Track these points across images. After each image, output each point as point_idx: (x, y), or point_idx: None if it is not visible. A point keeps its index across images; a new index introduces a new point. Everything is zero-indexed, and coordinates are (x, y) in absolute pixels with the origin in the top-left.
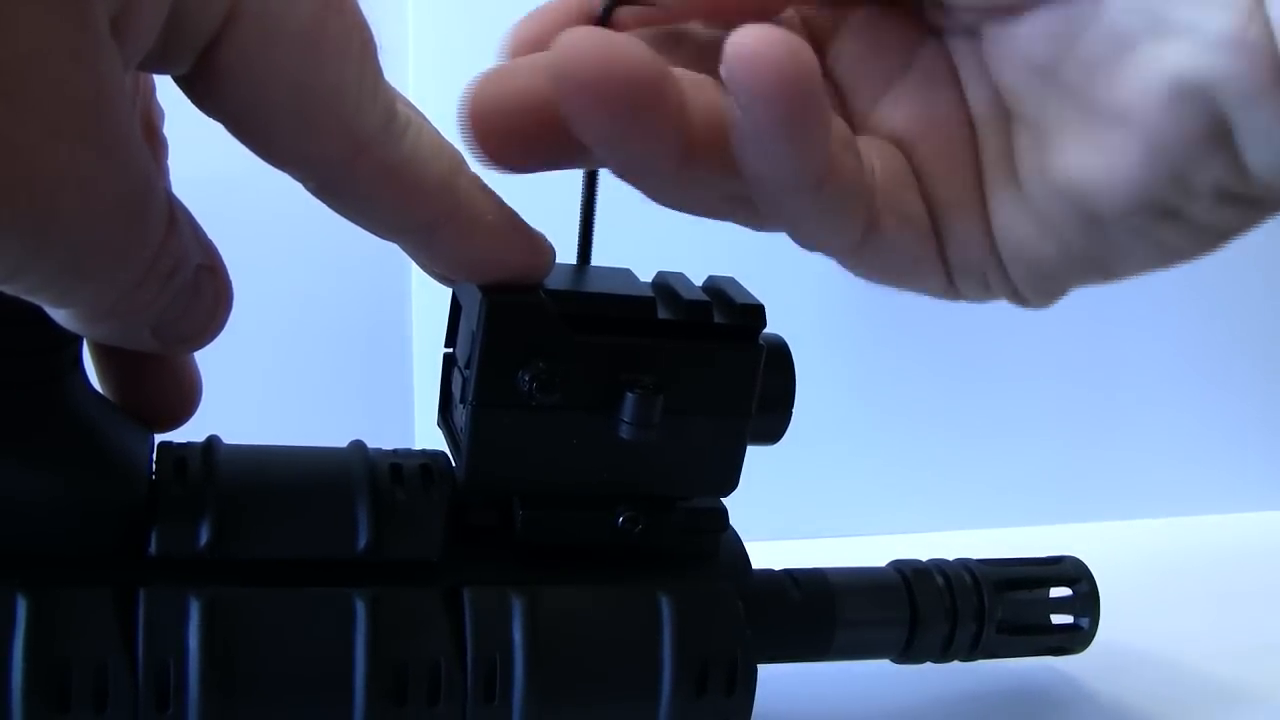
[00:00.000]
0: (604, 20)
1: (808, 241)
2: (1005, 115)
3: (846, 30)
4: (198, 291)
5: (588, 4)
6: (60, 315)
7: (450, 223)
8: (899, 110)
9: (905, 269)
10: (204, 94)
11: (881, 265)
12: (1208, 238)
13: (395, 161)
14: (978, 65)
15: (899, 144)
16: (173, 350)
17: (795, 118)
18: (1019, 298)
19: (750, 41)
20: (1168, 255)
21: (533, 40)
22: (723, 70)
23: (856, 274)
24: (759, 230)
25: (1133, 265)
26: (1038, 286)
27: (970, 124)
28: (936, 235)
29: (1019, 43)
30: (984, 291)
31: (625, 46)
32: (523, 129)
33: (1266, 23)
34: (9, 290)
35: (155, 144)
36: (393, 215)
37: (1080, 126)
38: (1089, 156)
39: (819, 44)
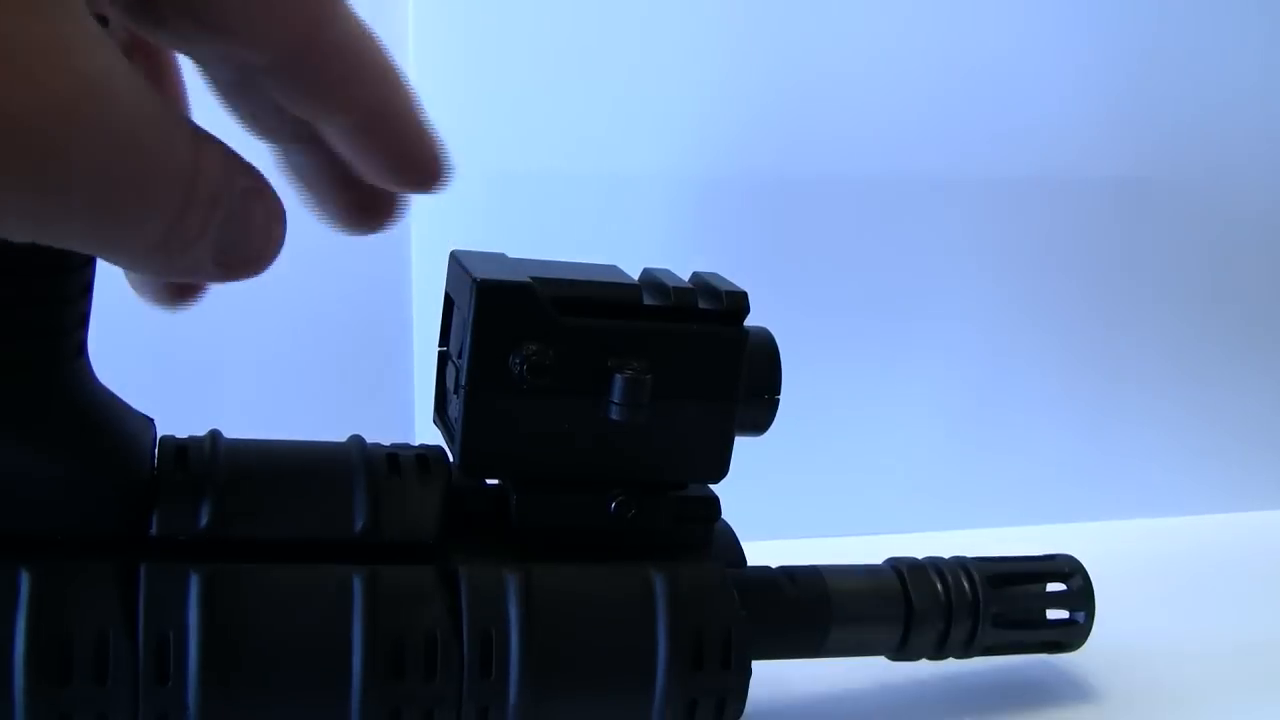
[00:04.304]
0: None
1: None
2: None
3: None
4: (248, 215)
5: None
6: (119, 260)
7: (389, 106)
8: None
9: None
10: None
11: None
12: None
13: (348, 39)
14: None
15: None
16: (237, 276)
17: None
18: None
19: None
20: None
21: None
22: None
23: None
24: None
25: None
26: None
27: None
28: None
29: None
30: None
31: None
32: None
33: None
34: (52, 242)
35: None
36: (344, 96)
37: None
38: None
39: None
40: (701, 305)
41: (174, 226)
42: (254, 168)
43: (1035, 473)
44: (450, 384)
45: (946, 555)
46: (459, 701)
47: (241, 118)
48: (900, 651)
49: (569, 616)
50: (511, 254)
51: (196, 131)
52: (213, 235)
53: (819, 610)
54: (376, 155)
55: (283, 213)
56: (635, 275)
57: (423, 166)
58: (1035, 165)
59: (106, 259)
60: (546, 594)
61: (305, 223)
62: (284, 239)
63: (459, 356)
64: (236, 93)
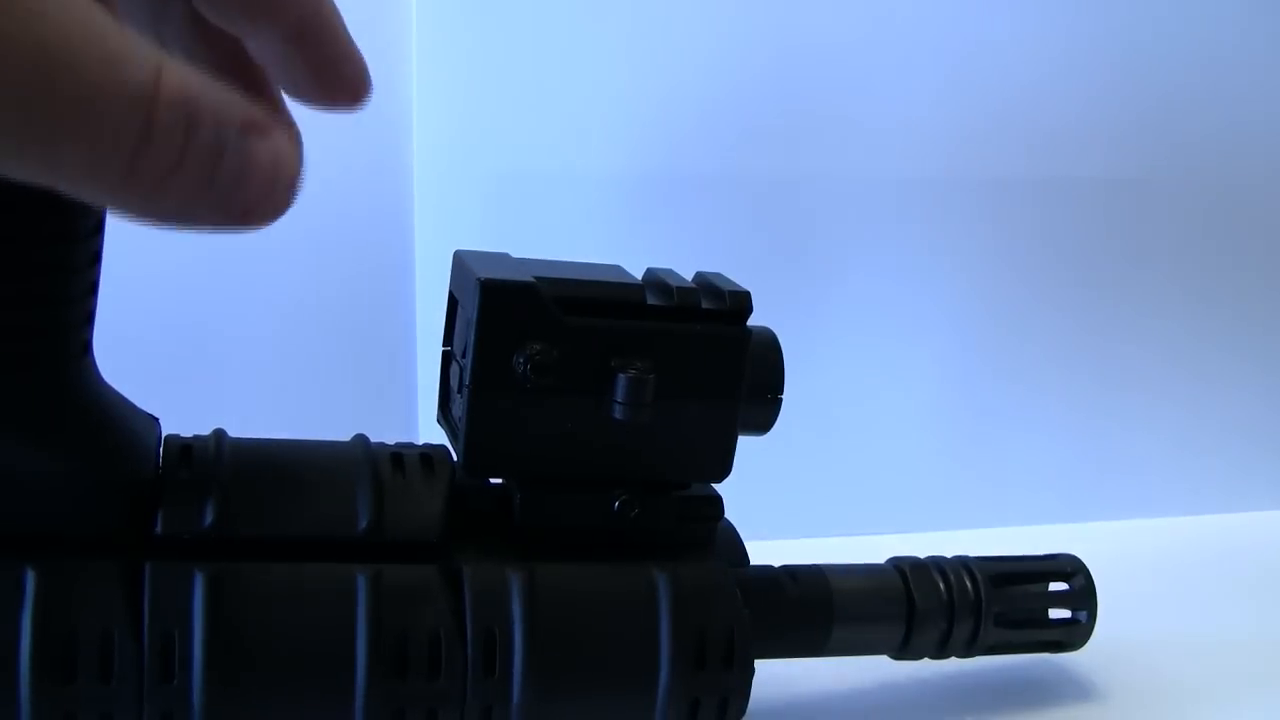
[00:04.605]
0: None
1: None
2: None
3: None
4: (247, 155)
5: None
6: (93, 195)
7: (320, 15)
8: None
9: None
10: None
11: None
12: None
13: None
14: None
15: None
16: (242, 224)
17: None
18: None
19: None
20: None
21: None
22: None
23: None
24: None
25: None
26: None
27: None
28: None
29: None
30: None
31: None
32: None
33: None
34: None
35: None
36: (279, 1)
37: None
38: None
39: None
40: (705, 305)
41: (137, 154)
42: (254, 104)
43: (1037, 473)
44: (454, 383)
45: (949, 555)
46: (463, 700)
47: None
48: (903, 651)
49: (572, 616)
50: (515, 254)
51: (157, 52)
52: (195, 171)
53: (821, 609)
54: (305, 66)
55: (292, 158)
56: (638, 275)
57: (349, 77)
58: (1036, 166)
59: (72, 191)
60: (550, 593)
61: (308, 222)
62: (296, 184)
63: (463, 356)
64: (146, 17)
